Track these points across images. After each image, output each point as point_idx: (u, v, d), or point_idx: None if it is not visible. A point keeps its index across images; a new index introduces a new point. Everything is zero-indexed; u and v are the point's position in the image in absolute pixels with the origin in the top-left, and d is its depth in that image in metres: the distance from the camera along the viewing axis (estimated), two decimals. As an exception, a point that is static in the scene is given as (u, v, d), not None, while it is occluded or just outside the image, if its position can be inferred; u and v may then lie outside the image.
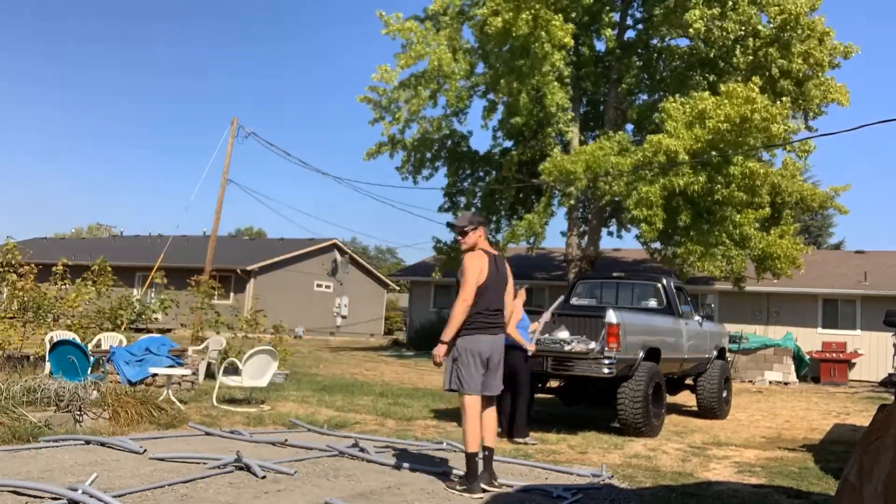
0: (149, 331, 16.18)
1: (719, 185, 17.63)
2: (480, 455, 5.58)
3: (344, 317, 35.18)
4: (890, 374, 20.10)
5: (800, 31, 18.83)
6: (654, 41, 21.92)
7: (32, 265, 13.33)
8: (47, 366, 9.96)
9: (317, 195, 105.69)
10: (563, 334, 9.11)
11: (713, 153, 17.44)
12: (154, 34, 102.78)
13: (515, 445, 7.96)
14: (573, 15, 20.34)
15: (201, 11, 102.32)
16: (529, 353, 8.51)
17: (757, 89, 17.34)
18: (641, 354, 9.11)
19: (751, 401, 15.13)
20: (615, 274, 12.78)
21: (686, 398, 12.72)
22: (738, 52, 19.37)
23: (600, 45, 22.49)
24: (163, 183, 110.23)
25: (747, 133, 17.23)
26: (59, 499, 4.70)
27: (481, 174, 23.40)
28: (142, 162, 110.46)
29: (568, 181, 18.57)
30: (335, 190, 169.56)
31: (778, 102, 17.76)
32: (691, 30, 18.89)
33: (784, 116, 17.77)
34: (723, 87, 17.96)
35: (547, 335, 9.15)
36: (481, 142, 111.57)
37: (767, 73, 19.26)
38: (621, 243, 26.19)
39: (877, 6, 75.89)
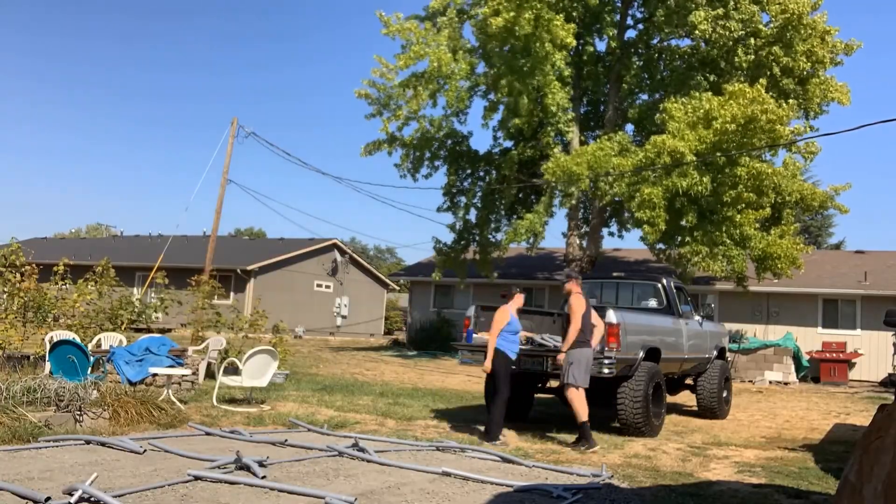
0: (149, 331, 16.16)
1: (726, 187, 17.60)
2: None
3: (344, 317, 35.18)
4: (890, 374, 20.10)
5: (802, 31, 18.83)
6: (655, 41, 21.91)
7: (34, 265, 13.34)
8: (47, 366, 9.96)
9: (316, 195, 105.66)
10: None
11: (718, 154, 17.39)
12: (154, 32, 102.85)
13: (516, 445, 7.95)
14: (575, 14, 20.33)
15: (202, 10, 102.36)
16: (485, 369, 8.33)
17: (763, 90, 17.32)
18: (641, 354, 9.11)
19: (751, 401, 15.12)
20: (615, 274, 12.79)
21: (686, 398, 12.72)
22: (739, 51, 19.35)
23: (601, 45, 22.53)
24: (163, 183, 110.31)
25: (752, 134, 17.19)
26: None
27: (481, 174, 23.36)
28: (142, 161, 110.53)
29: (570, 181, 18.54)
30: (335, 189, 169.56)
31: (784, 104, 17.72)
32: (697, 31, 18.87)
33: (790, 118, 17.71)
34: (728, 88, 17.92)
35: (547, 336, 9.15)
36: (481, 142, 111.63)
37: (769, 73, 19.25)
38: (622, 243, 26.21)
39: (878, 3, 75.88)
